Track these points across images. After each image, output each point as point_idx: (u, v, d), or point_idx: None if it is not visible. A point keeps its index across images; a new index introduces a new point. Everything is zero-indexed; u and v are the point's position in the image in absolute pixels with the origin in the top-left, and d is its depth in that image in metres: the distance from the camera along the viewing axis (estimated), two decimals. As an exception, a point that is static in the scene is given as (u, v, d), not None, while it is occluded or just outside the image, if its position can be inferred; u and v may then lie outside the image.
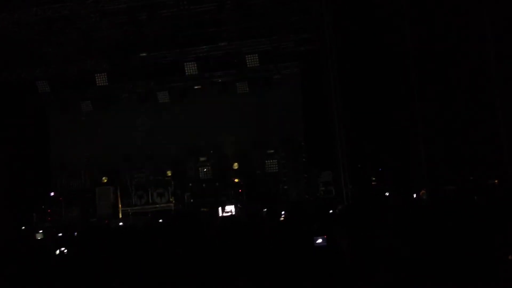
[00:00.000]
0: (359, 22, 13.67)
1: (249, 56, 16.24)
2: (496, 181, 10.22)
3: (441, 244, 5.80)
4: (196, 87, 18.00)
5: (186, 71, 16.66)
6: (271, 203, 13.87)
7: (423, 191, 9.99)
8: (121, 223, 13.98)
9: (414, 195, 10.14)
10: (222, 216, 10.43)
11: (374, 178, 14.34)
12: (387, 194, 10.24)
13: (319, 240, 5.00)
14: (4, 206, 15.23)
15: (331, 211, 10.17)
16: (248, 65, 16.37)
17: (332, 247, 5.26)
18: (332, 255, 5.20)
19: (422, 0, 12.79)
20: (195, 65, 16.59)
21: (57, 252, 6.96)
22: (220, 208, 10.77)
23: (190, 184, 16.73)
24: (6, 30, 14.01)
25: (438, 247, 5.76)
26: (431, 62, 12.77)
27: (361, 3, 13.45)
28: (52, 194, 16.77)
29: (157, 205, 15.98)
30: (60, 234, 8.22)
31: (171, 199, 16.05)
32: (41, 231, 9.82)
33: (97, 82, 16.76)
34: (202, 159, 17.11)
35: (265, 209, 12.26)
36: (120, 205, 16.11)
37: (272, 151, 16.81)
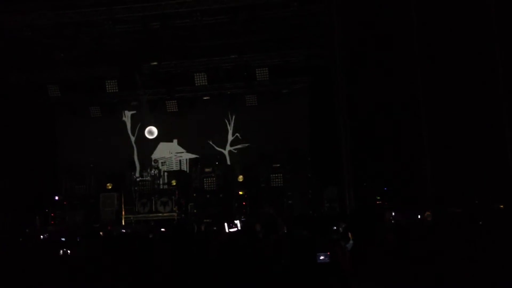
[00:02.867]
0: (369, 38, 13.68)
1: (259, 69, 16.34)
2: (502, 205, 10.15)
3: (442, 266, 5.77)
4: (205, 97, 18.06)
5: (196, 81, 16.79)
6: (275, 217, 13.78)
7: (428, 213, 9.92)
8: (123, 230, 13.96)
9: (419, 216, 10.07)
10: (229, 232, 10.23)
11: (378, 197, 14.26)
12: (393, 213, 10.16)
13: (322, 257, 4.97)
14: (8, 208, 15.24)
15: (334, 228, 10.11)
16: (257, 78, 16.45)
17: (335, 264, 5.25)
18: (335, 271, 5.19)
19: (432, 15, 12.78)
20: (205, 76, 16.70)
21: (61, 252, 6.96)
22: (226, 224, 10.56)
23: (194, 195, 16.70)
24: (19, 33, 14.14)
25: (440, 269, 5.72)
26: (441, 78, 12.73)
27: (371, 20, 13.48)
28: (56, 198, 16.78)
29: (160, 214, 15.95)
30: (63, 239, 8.22)
31: (174, 209, 16.02)
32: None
33: (107, 88, 16.93)
34: (207, 169, 17.09)
35: (267, 223, 12.13)
36: (123, 212, 16.10)
37: (278, 165, 16.75)
